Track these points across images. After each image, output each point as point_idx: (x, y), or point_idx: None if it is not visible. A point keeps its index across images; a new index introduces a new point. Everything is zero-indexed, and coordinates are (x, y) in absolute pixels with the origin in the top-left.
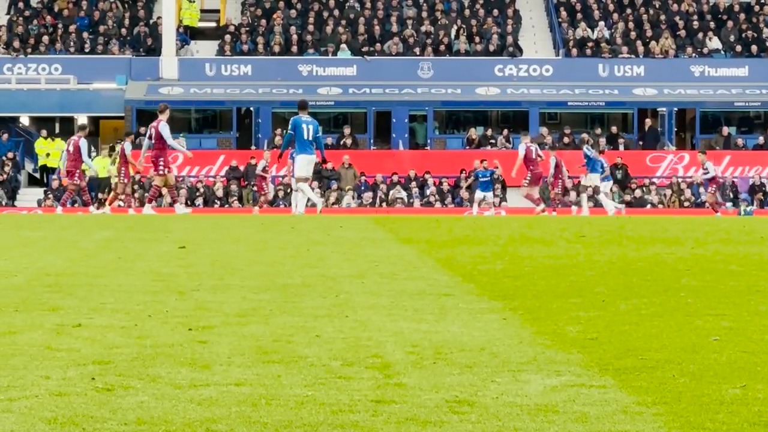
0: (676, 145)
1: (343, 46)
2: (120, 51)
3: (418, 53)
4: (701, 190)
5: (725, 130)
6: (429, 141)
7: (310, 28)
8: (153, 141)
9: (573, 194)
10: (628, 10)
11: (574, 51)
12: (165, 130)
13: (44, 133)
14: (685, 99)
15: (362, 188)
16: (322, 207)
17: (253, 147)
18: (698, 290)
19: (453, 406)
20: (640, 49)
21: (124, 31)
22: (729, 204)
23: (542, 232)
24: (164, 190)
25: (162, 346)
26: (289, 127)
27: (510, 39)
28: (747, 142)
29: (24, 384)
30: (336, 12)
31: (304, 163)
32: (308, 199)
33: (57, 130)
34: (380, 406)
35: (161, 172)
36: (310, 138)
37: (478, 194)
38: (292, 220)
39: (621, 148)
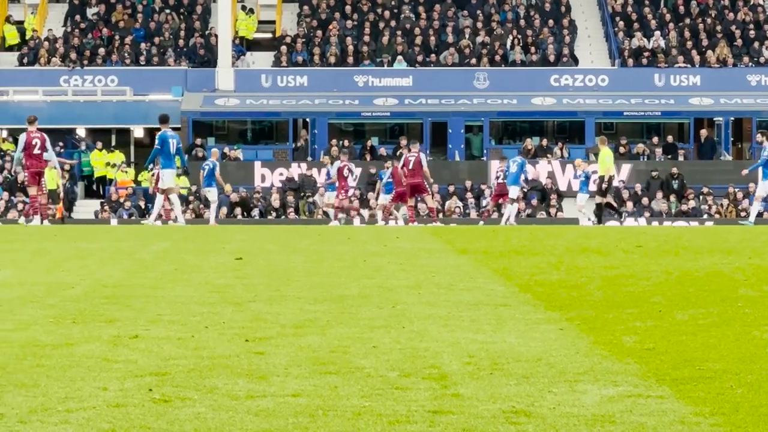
0: (733, 155)
1: (399, 56)
2: (176, 62)
3: (473, 64)
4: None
5: None
6: (485, 152)
7: (366, 38)
8: (39, 152)
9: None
10: (685, 20)
11: (630, 61)
12: (48, 142)
13: (99, 144)
14: (741, 108)
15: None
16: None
17: (309, 158)
18: (756, 300)
19: (510, 416)
20: (696, 58)
21: (180, 42)
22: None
23: (599, 243)
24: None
25: (219, 358)
26: (157, 142)
27: (566, 49)
28: None
29: (81, 395)
30: (392, 23)
31: (170, 177)
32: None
33: (113, 142)
34: (437, 417)
35: (43, 184)
36: (174, 152)
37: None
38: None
39: (680, 158)
